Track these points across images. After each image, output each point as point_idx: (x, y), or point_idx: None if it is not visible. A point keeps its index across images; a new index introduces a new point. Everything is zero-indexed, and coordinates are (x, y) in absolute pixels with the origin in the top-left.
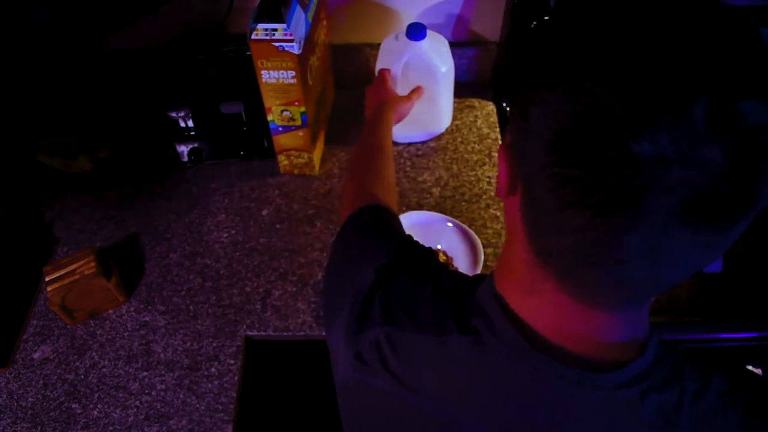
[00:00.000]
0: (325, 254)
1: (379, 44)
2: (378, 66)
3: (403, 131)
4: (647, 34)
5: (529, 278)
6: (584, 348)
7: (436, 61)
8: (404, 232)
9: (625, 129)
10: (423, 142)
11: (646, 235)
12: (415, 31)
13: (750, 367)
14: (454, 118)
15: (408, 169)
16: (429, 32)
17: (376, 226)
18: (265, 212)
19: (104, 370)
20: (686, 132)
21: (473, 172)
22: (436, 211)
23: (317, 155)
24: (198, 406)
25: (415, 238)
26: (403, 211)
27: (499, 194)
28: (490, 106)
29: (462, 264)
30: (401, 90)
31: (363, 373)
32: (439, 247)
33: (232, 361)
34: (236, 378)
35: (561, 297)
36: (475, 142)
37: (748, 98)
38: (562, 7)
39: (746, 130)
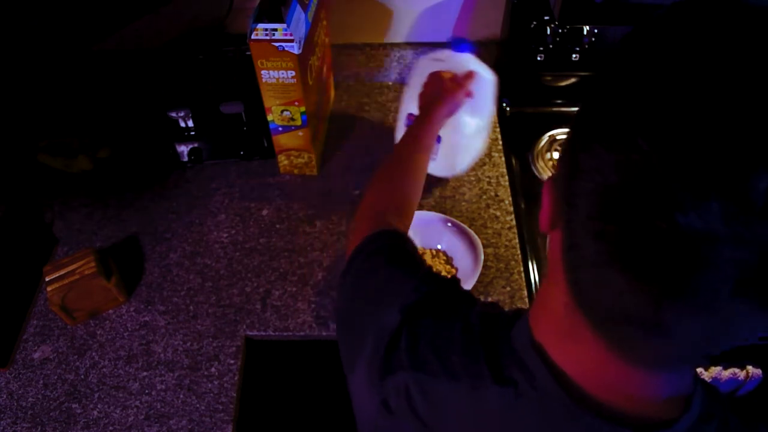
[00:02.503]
0: (325, 254)
1: (379, 44)
2: (409, 89)
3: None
4: (712, 98)
5: (569, 322)
6: (630, 405)
7: (486, 72)
8: (423, 261)
9: (673, 198)
10: None
11: (690, 309)
12: (461, 44)
13: (750, 367)
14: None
15: None
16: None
17: (395, 256)
18: (265, 212)
19: (104, 370)
20: (741, 208)
21: (473, 172)
22: (436, 211)
23: (317, 155)
24: (198, 406)
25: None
26: None
27: (541, 227)
28: None
29: (462, 264)
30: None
31: (390, 419)
32: (439, 247)
33: (232, 361)
34: (236, 378)
35: (601, 349)
36: None
37: None
38: (626, 55)
39: None
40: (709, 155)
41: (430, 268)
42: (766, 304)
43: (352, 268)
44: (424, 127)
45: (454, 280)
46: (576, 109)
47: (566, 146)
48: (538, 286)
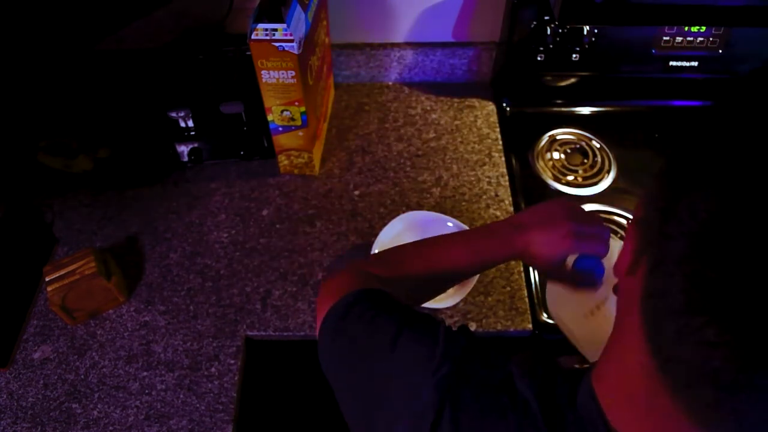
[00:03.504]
0: (325, 254)
1: (379, 44)
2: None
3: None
4: None
5: (645, 388)
6: None
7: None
8: (432, 316)
9: None
10: (423, 142)
11: None
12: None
13: None
14: (454, 118)
15: (408, 169)
16: None
17: (406, 317)
18: (265, 212)
19: (104, 370)
20: None
21: (473, 172)
22: (436, 211)
23: (317, 155)
24: (198, 406)
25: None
26: (404, 211)
27: (617, 272)
28: (490, 106)
29: None
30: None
31: None
32: None
33: (232, 361)
34: (236, 378)
35: (682, 420)
36: (475, 142)
37: None
38: (731, 109)
39: None
40: None
41: (443, 321)
42: None
43: (345, 328)
44: (506, 247)
45: (467, 330)
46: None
47: (660, 188)
48: (537, 286)
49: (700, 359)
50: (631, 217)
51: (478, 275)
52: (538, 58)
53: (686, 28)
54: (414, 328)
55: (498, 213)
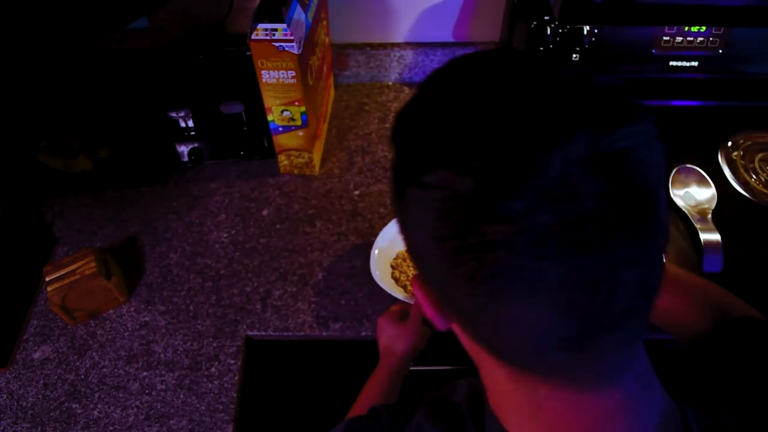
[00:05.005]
0: (325, 254)
1: (379, 44)
2: None
3: None
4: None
5: (522, 393)
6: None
7: None
8: None
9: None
10: None
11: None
12: None
13: None
14: None
15: None
16: None
17: None
18: (265, 212)
19: (104, 370)
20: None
21: None
22: None
23: (317, 155)
24: (198, 406)
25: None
26: None
27: (439, 327)
28: None
29: None
30: None
31: None
32: None
33: (232, 361)
34: (236, 378)
35: (563, 392)
36: None
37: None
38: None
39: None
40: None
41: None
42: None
43: None
44: (384, 369)
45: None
46: None
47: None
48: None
49: (527, 334)
50: None
51: None
52: None
53: (686, 28)
54: None
55: None
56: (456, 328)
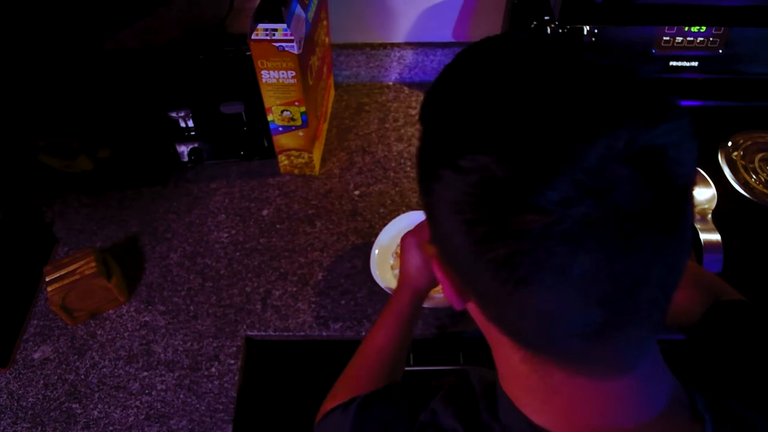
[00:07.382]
0: (325, 254)
1: (379, 44)
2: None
3: None
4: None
5: (538, 374)
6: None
7: None
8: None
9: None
10: None
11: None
12: None
13: None
14: None
15: (408, 169)
16: None
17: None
18: (265, 212)
19: (104, 370)
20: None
21: None
22: None
23: (317, 155)
24: (198, 406)
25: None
26: (404, 211)
27: (455, 305)
28: None
29: None
30: None
31: None
32: None
33: (232, 361)
34: (236, 378)
35: (576, 380)
36: None
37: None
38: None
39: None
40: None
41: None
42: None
43: None
44: (400, 302)
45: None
46: None
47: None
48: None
49: (549, 322)
50: None
51: None
52: None
53: (686, 28)
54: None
55: None
56: (472, 308)
